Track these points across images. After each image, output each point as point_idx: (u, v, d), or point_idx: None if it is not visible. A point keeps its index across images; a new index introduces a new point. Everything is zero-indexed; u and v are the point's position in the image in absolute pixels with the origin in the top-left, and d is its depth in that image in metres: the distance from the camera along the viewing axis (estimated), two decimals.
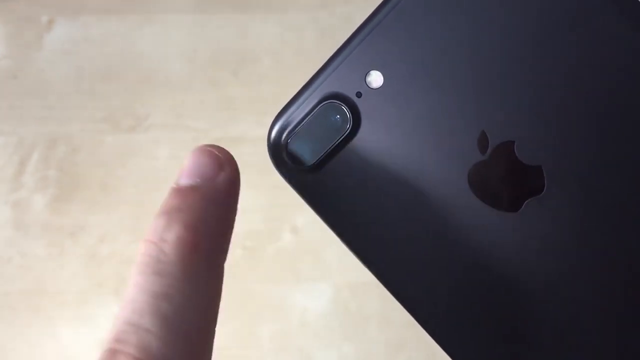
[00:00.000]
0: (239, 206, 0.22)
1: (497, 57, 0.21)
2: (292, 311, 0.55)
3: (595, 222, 0.22)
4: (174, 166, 0.57)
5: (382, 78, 0.22)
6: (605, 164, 0.21)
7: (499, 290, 0.22)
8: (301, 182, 0.23)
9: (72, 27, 0.61)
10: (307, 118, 0.22)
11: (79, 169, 0.58)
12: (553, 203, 0.22)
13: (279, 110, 0.23)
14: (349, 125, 0.22)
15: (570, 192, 0.22)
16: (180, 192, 0.22)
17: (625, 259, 0.22)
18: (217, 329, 0.21)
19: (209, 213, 0.21)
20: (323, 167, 0.22)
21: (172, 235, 0.21)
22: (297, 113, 0.23)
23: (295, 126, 0.23)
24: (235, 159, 0.22)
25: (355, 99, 0.22)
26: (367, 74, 0.22)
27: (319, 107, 0.22)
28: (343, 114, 0.22)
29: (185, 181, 0.22)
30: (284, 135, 0.23)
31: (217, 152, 0.22)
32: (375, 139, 0.22)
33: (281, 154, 0.23)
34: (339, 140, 0.22)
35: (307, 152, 0.22)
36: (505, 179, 0.22)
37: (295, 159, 0.22)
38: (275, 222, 0.56)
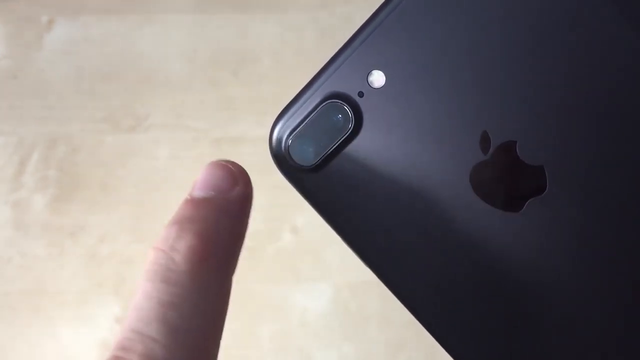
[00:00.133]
0: None
1: (499, 57, 0.21)
2: (292, 311, 0.55)
3: (597, 222, 0.22)
4: (174, 166, 0.57)
5: (384, 78, 0.22)
6: (607, 163, 0.21)
7: (500, 290, 0.22)
8: (303, 181, 0.23)
9: (72, 27, 0.61)
10: (309, 118, 0.22)
11: (79, 169, 0.58)
12: (555, 203, 0.22)
13: (280, 110, 0.23)
14: (351, 125, 0.22)
15: (572, 192, 0.22)
16: (193, 203, 0.22)
17: (628, 259, 0.22)
18: None
19: (221, 225, 0.21)
20: (325, 166, 0.22)
21: (183, 244, 0.21)
22: (299, 113, 0.22)
23: (297, 126, 0.22)
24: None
25: (357, 98, 0.22)
26: (369, 73, 0.22)
27: (321, 106, 0.22)
28: (345, 113, 0.22)
29: (199, 193, 0.22)
30: (286, 135, 0.23)
31: (231, 167, 0.22)
32: (377, 139, 0.22)
33: (283, 154, 0.23)
34: (341, 140, 0.22)
35: (309, 152, 0.22)
36: (507, 179, 0.22)
37: (297, 158, 0.22)
38: (275, 222, 0.56)
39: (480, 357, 0.22)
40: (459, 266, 0.22)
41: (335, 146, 0.22)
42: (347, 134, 0.22)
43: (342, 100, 0.22)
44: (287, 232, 0.55)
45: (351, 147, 0.22)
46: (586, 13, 0.21)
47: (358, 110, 0.22)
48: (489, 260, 0.22)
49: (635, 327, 0.22)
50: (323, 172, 0.22)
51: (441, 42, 0.22)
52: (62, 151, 0.58)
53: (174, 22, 0.61)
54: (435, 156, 0.22)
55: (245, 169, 0.23)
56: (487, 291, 0.22)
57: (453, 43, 0.22)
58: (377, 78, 0.22)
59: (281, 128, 0.23)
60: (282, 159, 0.23)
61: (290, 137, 0.22)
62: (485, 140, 0.22)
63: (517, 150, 0.22)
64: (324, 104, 0.22)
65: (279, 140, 0.23)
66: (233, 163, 0.23)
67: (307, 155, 0.22)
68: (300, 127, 0.22)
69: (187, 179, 0.57)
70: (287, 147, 0.22)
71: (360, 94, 0.22)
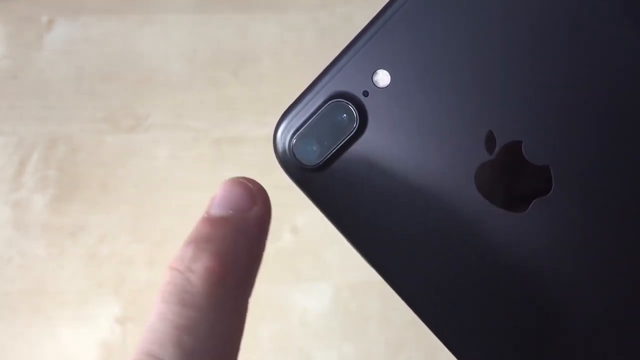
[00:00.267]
0: None
1: (504, 57, 0.21)
2: (292, 311, 0.55)
3: (603, 222, 0.22)
4: (174, 166, 0.57)
5: (389, 77, 0.22)
6: (614, 164, 0.21)
7: (505, 290, 0.22)
8: (307, 181, 0.23)
9: (72, 27, 0.61)
10: (313, 117, 0.22)
11: (79, 169, 0.58)
12: (561, 203, 0.22)
13: (284, 109, 0.23)
14: (355, 124, 0.22)
15: (578, 193, 0.21)
16: (210, 221, 0.21)
17: (634, 260, 0.22)
18: None
19: (239, 245, 0.21)
20: (329, 166, 0.22)
21: (200, 265, 0.20)
22: (304, 112, 0.22)
23: (302, 125, 0.22)
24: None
25: (362, 97, 0.22)
26: (374, 72, 0.22)
27: (325, 106, 0.22)
28: (350, 112, 0.22)
29: (216, 211, 0.21)
30: (290, 134, 0.22)
31: (250, 185, 0.22)
32: (382, 138, 0.22)
33: (287, 153, 0.23)
34: (345, 140, 0.22)
35: (313, 152, 0.22)
36: (512, 179, 0.22)
37: (301, 158, 0.22)
38: (275, 222, 0.55)
39: (484, 358, 0.22)
40: (463, 266, 0.22)
41: (339, 146, 0.22)
42: (352, 133, 0.22)
43: (346, 100, 0.22)
44: (287, 232, 0.55)
45: (356, 147, 0.22)
46: (592, 13, 0.21)
47: (363, 109, 0.22)
48: (494, 260, 0.22)
49: None
50: (327, 172, 0.22)
51: (446, 41, 0.22)
52: (62, 151, 0.58)
53: (174, 22, 0.61)
54: (440, 156, 0.22)
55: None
56: (492, 291, 0.22)
57: (458, 43, 0.22)
58: (382, 77, 0.22)
59: (285, 127, 0.23)
60: (286, 158, 0.23)
61: (295, 136, 0.22)
62: (490, 140, 0.22)
63: (523, 150, 0.22)
64: (328, 103, 0.22)
65: (283, 139, 0.23)
66: (251, 181, 0.22)
67: (311, 155, 0.22)
68: (305, 126, 0.22)
69: (187, 179, 0.57)
70: (291, 147, 0.22)
71: (365, 94, 0.22)
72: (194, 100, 0.59)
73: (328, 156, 0.22)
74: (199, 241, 0.21)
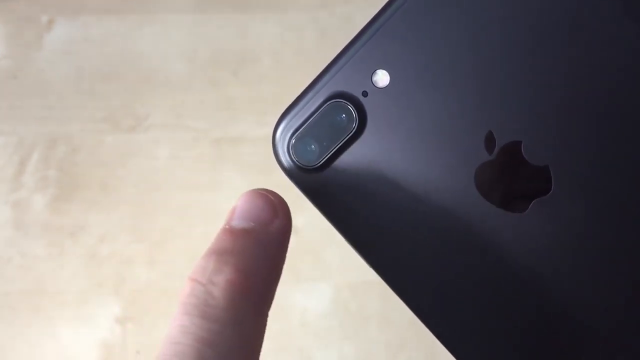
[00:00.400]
0: None
1: (504, 57, 0.21)
2: (292, 311, 0.55)
3: (602, 223, 0.21)
4: (174, 166, 0.57)
5: (388, 77, 0.22)
6: (614, 164, 0.21)
7: (505, 290, 0.22)
8: (306, 181, 0.23)
9: (72, 27, 0.61)
10: (312, 117, 0.22)
11: (79, 169, 0.58)
12: (561, 204, 0.22)
13: (283, 110, 0.23)
14: (354, 125, 0.22)
15: (577, 193, 0.21)
16: (232, 233, 0.21)
17: (634, 260, 0.22)
18: None
19: (260, 259, 0.21)
20: (328, 166, 0.22)
21: (221, 278, 0.20)
22: (302, 112, 0.22)
23: (300, 125, 0.22)
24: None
25: (361, 98, 0.22)
26: (373, 73, 0.22)
27: (324, 106, 0.22)
28: (349, 113, 0.22)
29: (238, 223, 0.21)
30: (289, 135, 0.22)
31: (272, 197, 0.22)
32: (381, 139, 0.22)
33: (286, 154, 0.22)
34: (344, 140, 0.22)
35: (312, 152, 0.22)
36: (512, 179, 0.22)
37: (300, 158, 0.22)
38: None
39: (484, 358, 0.22)
40: (463, 267, 0.22)
41: (338, 146, 0.22)
42: (351, 133, 0.22)
43: (345, 100, 0.22)
44: None
45: (355, 147, 0.22)
46: (592, 13, 0.21)
47: (362, 109, 0.22)
48: (493, 261, 0.22)
49: None
50: (326, 172, 0.22)
51: (446, 41, 0.21)
52: (62, 151, 0.58)
53: (174, 22, 0.61)
54: (439, 156, 0.22)
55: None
56: (491, 292, 0.22)
57: (457, 43, 0.21)
58: (382, 77, 0.22)
59: (284, 127, 0.23)
60: (285, 158, 0.23)
61: (294, 136, 0.22)
62: (490, 140, 0.22)
63: (522, 150, 0.22)
64: (327, 103, 0.22)
65: (282, 139, 0.22)
66: (273, 193, 0.22)
67: (310, 155, 0.22)
68: (304, 126, 0.22)
69: (187, 179, 0.57)
70: (290, 147, 0.22)
71: (364, 94, 0.22)
72: (194, 100, 0.59)
73: (327, 156, 0.22)
74: (220, 253, 0.21)
